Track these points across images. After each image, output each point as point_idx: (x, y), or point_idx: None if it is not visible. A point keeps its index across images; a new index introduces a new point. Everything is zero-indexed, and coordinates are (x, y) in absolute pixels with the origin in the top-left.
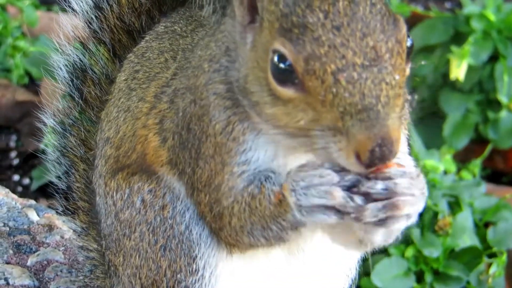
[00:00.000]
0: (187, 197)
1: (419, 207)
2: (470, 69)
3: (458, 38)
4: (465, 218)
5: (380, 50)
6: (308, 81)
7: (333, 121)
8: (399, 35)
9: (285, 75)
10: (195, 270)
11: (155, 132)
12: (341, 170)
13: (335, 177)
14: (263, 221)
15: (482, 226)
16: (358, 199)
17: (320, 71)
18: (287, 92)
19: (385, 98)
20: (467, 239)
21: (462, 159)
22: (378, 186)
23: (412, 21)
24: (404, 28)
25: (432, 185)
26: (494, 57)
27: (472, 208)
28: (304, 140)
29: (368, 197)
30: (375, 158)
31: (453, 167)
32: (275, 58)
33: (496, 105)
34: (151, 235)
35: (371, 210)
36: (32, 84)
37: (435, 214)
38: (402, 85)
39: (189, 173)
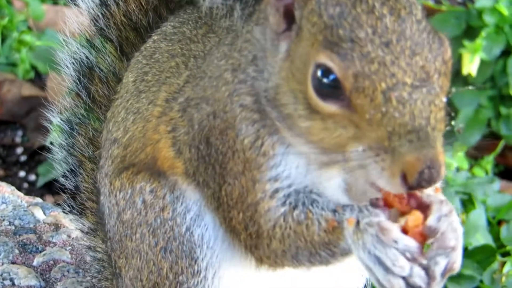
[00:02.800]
0: (207, 208)
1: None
2: (483, 64)
3: (470, 32)
4: (478, 216)
5: (430, 70)
6: (356, 98)
7: (379, 140)
8: (445, 56)
9: (329, 90)
10: (197, 272)
11: (167, 140)
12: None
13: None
14: (310, 246)
15: (495, 224)
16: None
17: (370, 89)
18: (330, 107)
19: (434, 120)
20: (480, 238)
21: (474, 155)
22: (443, 264)
23: None
24: (449, 48)
25: (445, 183)
26: (507, 52)
27: (485, 205)
28: (337, 157)
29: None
30: (423, 180)
31: (465, 164)
32: (319, 72)
33: (508, 100)
34: (151, 236)
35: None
36: (38, 79)
37: None
38: (445, 107)
39: (214, 188)
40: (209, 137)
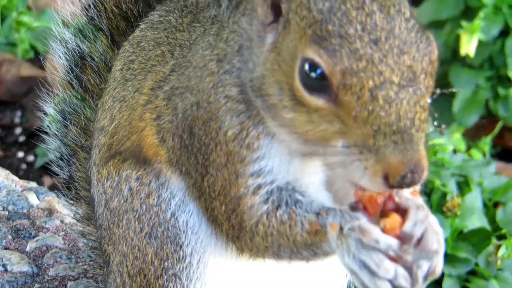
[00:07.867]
0: (189, 196)
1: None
2: (481, 44)
3: (469, 12)
4: (474, 198)
5: (417, 70)
6: (343, 95)
7: (364, 138)
8: (432, 56)
9: (316, 84)
10: (182, 257)
11: (151, 127)
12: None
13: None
14: (293, 245)
15: (491, 206)
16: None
17: (357, 87)
18: (316, 101)
19: (418, 121)
20: (476, 220)
21: (472, 136)
22: (425, 267)
23: None
24: (436, 48)
25: (440, 165)
26: (505, 32)
27: (482, 187)
28: (320, 151)
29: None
30: (404, 183)
31: (462, 146)
32: (306, 66)
33: (506, 81)
34: (136, 222)
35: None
36: (37, 59)
37: (444, 194)
38: (429, 108)
39: (196, 177)
40: (193, 127)
